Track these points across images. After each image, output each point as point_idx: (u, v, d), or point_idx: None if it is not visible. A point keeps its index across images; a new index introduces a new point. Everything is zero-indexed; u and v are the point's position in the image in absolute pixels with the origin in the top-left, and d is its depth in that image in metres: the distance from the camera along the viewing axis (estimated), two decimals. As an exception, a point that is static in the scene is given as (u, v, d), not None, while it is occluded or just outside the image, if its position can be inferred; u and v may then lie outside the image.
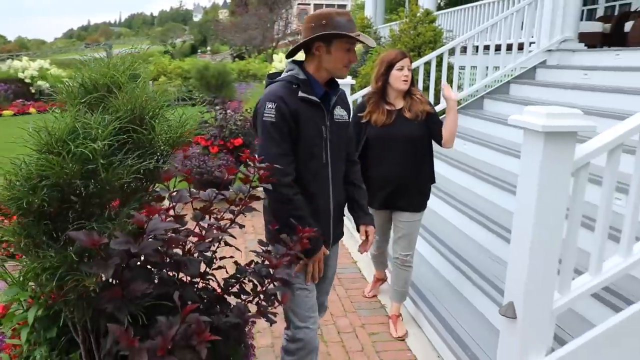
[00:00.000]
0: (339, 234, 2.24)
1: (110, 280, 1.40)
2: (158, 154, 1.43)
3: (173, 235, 1.37)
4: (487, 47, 6.34)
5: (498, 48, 6.14)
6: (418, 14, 6.67)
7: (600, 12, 9.63)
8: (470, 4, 8.55)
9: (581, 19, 9.22)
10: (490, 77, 6.04)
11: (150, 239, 1.28)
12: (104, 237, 1.20)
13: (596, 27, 7.84)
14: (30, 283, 1.43)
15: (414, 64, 5.82)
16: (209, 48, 37.69)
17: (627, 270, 2.42)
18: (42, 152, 1.24)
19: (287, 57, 2.21)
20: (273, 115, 1.89)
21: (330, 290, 2.41)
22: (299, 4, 26.05)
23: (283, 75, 2.03)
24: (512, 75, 6.28)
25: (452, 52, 5.90)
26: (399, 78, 2.86)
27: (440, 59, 5.93)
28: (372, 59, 7.03)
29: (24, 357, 1.56)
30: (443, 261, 3.75)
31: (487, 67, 6.05)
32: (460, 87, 6.04)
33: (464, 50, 5.80)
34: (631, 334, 2.38)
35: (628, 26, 7.36)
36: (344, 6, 29.33)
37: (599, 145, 2.22)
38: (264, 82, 2.13)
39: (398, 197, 3.01)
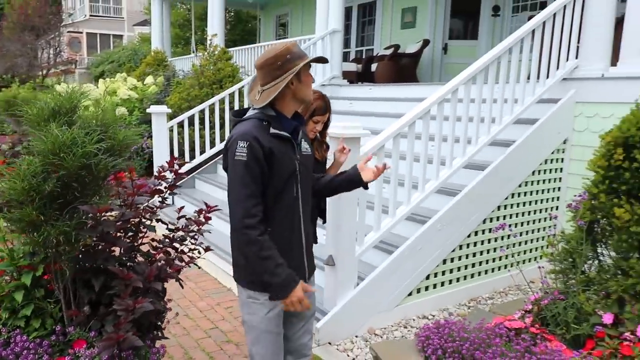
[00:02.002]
0: (313, 267, 2.22)
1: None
2: (118, 154, 2.06)
3: (139, 208, 2.03)
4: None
5: (285, 82, 7.51)
6: (216, 52, 7.66)
7: (352, 55, 12.09)
8: (256, 44, 9.96)
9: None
10: (281, 106, 7.35)
11: (130, 210, 1.94)
12: (105, 207, 1.82)
13: (352, 67, 10.01)
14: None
15: (220, 96, 6.78)
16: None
17: (393, 227, 3.78)
18: (50, 154, 1.78)
19: (262, 104, 1.97)
20: (245, 155, 1.86)
21: (312, 329, 2.32)
22: (69, 31, 24.52)
23: (250, 112, 2.01)
24: (297, 104, 7.73)
25: (250, 85, 7.03)
26: (311, 130, 2.93)
27: (241, 90, 7.01)
28: (177, 90, 7.72)
29: (1, 323, 1.96)
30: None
31: (278, 98, 7.34)
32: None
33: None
34: (396, 269, 3.72)
35: (374, 67, 9.65)
36: (120, 37, 28.54)
37: (372, 146, 3.52)
38: (230, 118, 2.18)
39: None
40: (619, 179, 2.74)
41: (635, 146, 2.71)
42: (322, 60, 2.08)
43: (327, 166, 3.07)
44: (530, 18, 7.06)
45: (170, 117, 6.78)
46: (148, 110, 6.36)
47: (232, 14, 17.65)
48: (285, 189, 1.98)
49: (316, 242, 3.06)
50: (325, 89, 7.71)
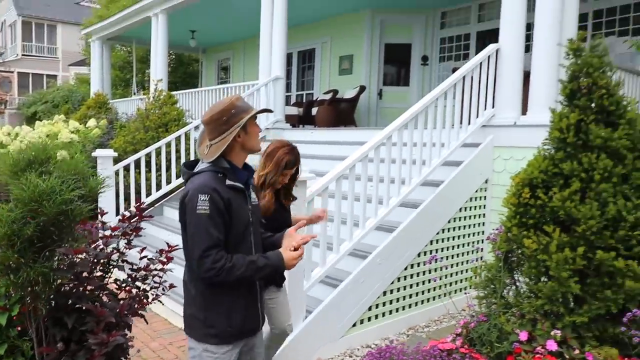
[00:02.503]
0: (264, 316, 2.31)
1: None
2: (90, 200, 2.25)
3: (107, 251, 2.21)
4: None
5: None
6: (162, 97, 7.86)
7: (293, 99, 12.61)
8: (202, 88, 10.23)
9: (282, 104, 11.89)
10: (226, 149, 7.61)
11: (100, 251, 2.13)
12: (82, 249, 2.00)
13: (294, 110, 10.49)
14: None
15: (167, 139, 6.94)
16: None
17: (337, 262, 4.09)
18: (32, 202, 1.96)
19: (211, 158, 2.04)
20: (207, 207, 1.91)
21: None
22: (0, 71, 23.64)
23: (203, 165, 2.06)
24: (242, 147, 8.02)
25: (197, 127, 7.27)
26: (280, 182, 3.00)
27: (187, 134, 7.22)
28: (122, 134, 7.80)
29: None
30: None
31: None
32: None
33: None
34: (341, 301, 4.02)
35: (314, 111, 10.17)
36: (54, 76, 27.79)
37: (317, 188, 3.86)
38: (182, 171, 2.16)
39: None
40: (527, 214, 3.21)
41: (538, 186, 3.21)
42: (267, 111, 2.31)
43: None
44: (454, 69, 7.82)
45: (115, 160, 6.83)
46: (94, 154, 6.41)
47: (174, 56, 17.86)
48: (242, 240, 2.06)
49: (280, 286, 3.21)
50: (270, 132, 8.07)
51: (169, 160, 6.96)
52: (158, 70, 10.71)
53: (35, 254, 1.99)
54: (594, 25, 7.99)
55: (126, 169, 6.76)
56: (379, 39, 10.61)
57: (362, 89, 10.28)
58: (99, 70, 13.67)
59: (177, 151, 7.05)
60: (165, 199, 7.14)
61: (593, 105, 3.09)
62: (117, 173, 6.62)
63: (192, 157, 7.10)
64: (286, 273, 3.69)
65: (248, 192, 2.13)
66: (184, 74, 17.75)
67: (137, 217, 2.53)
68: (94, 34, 13.69)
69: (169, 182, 6.98)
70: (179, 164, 7.01)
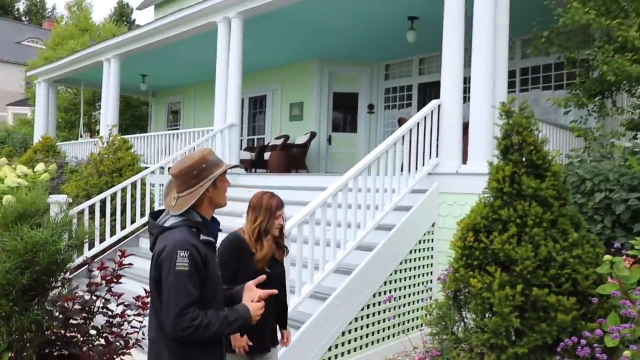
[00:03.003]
0: None
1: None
2: (76, 248, 2.38)
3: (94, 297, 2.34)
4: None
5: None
6: (116, 142, 7.90)
7: (245, 143, 12.87)
8: (158, 132, 10.30)
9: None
10: (181, 193, 7.69)
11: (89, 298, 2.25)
12: (73, 296, 2.13)
13: (247, 155, 10.73)
14: None
15: (122, 184, 6.96)
16: None
17: (299, 304, 4.29)
18: (28, 253, 2.08)
19: (179, 211, 2.03)
20: (187, 264, 1.89)
21: None
22: None
23: (175, 219, 2.03)
24: (197, 191, 8.12)
25: (153, 172, 7.34)
26: (276, 227, 2.99)
27: (143, 180, 7.27)
28: (74, 179, 7.72)
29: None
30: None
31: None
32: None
33: (162, 171, 7.37)
34: (303, 342, 4.20)
35: (267, 155, 10.45)
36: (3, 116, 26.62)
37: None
38: (149, 224, 2.13)
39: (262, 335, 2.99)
40: (472, 256, 3.58)
41: (481, 230, 3.60)
42: (237, 166, 2.45)
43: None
44: (400, 119, 8.38)
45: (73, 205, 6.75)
46: (48, 200, 6.32)
47: (122, 99, 17.73)
48: (214, 296, 2.04)
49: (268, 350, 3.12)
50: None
51: (123, 205, 6.95)
52: (109, 114, 10.71)
53: (27, 302, 2.09)
54: (521, 81, 8.89)
55: (80, 213, 6.69)
56: (327, 87, 11.18)
57: (313, 134, 10.71)
58: (44, 112, 13.41)
59: (132, 196, 7.07)
60: (120, 244, 7.08)
61: (524, 159, 3.56)
62: (70, 219, 6.54)
63: (147, 202, 7.13)
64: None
65: (216, 245, 2.14)
66: (132, 117, 17.64)
67: (118, 265, 2.67)
68: (40, 75, 13.49)
69: (123, 227, 6.95)
70: (134, 209, 7.02)
